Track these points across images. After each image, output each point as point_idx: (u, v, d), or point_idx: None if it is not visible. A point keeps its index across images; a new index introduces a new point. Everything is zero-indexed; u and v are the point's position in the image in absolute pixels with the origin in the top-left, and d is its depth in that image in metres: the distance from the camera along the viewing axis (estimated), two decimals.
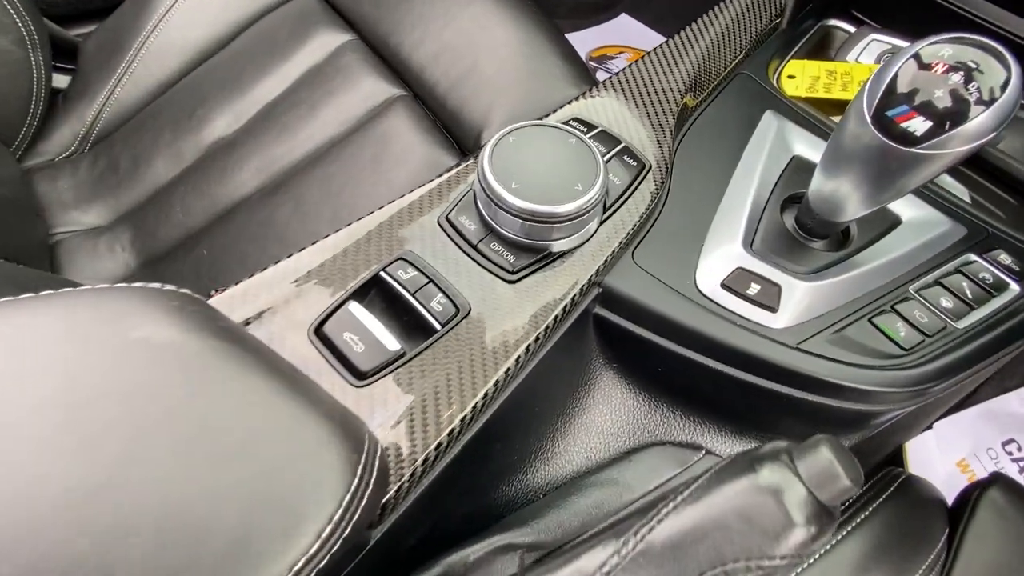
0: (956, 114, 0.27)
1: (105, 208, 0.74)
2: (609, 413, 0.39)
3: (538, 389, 0.34)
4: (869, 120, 0.29)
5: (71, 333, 0.19)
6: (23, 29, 0.63)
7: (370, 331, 0.28)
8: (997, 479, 0.47)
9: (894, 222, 0.40)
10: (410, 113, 0.69)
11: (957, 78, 0.27)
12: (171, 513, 0.17)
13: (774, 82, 0.48)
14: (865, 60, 0.50)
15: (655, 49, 0.45)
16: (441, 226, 0.33)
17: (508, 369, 0.29)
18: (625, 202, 0.36)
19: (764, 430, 0.39)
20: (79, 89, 0.78)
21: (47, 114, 0.75)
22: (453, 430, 0.27)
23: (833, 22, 0.53)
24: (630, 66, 0.45)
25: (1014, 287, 0.37)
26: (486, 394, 0.28)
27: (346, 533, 0.18)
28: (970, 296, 0.36)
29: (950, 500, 0.50)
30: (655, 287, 0.35)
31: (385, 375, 0.28)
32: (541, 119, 0.40)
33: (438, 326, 0.29)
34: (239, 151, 0.72)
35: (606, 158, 0.37)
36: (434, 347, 0.29)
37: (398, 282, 0.30)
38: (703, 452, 0.39)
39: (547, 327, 0.31)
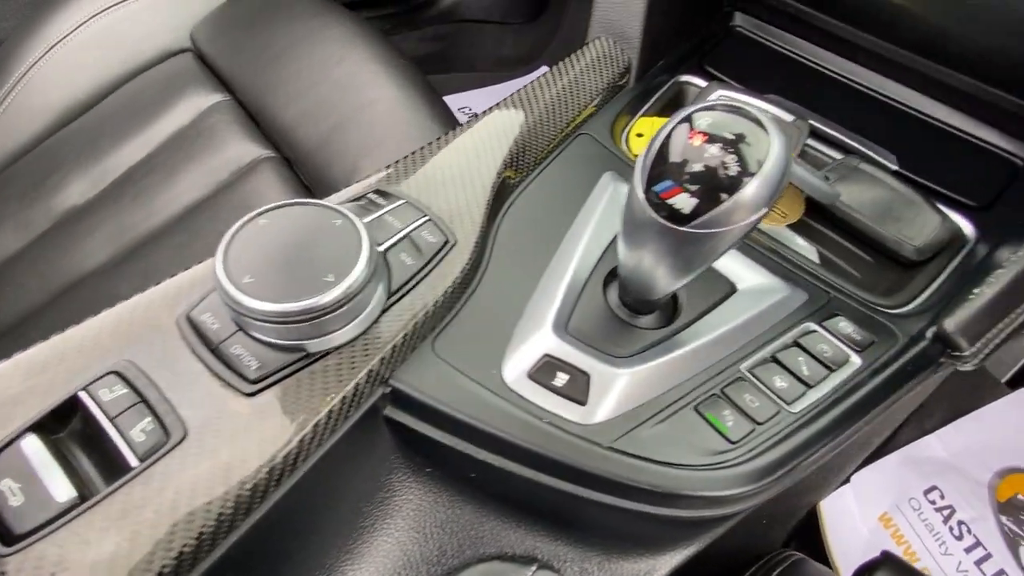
0: (721, 189, 0.24)
1: None
2: (421, 532, 0.33)
3: (306, 522, 0.29)
4: (641, 195, 0.25)
5: None
6: None
7: (37, 477, 0.23)
8: (884, 561, 0.43)
9: (729, 291, 0.36)
10: (276, 176, 0.64)
11: (716, 150, 0.24)
12: None
13: (621, 142, 0.46)
14: None
15: (484, 113, 0.42)
16: (179, 326, 0.28)
17: (220, 515, 0.23)
18: (417, 285, 0.31)
19: (605, 536, 0.34)
20: None
21: None
22: None
23: (686, 78, 0.52)
24: (460, 128, 0.42)
25: (855, 360, 0.34)
26: (181, 553, 0.22)
27: None
28: (807, 373, 0.33)
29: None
30: (456, 382, 0.31)
31: (44, 536, 0.22)
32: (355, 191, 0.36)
33: (134, 461, 0.24)
34: (90, 219, 0.66)
35: (400, 235, 0.33)
36: (127, 489, 0.23)
37: (98, 404, 0.25)
38: (535, 566, 0.33)
39: (288, 454, 0.25)
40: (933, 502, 0.77)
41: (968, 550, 0.74)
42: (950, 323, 0.34)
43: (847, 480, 0.74)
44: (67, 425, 0.25)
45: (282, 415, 0.26)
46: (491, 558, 0.34)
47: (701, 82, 0.52)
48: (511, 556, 0.34)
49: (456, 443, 0.31)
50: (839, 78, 0.52)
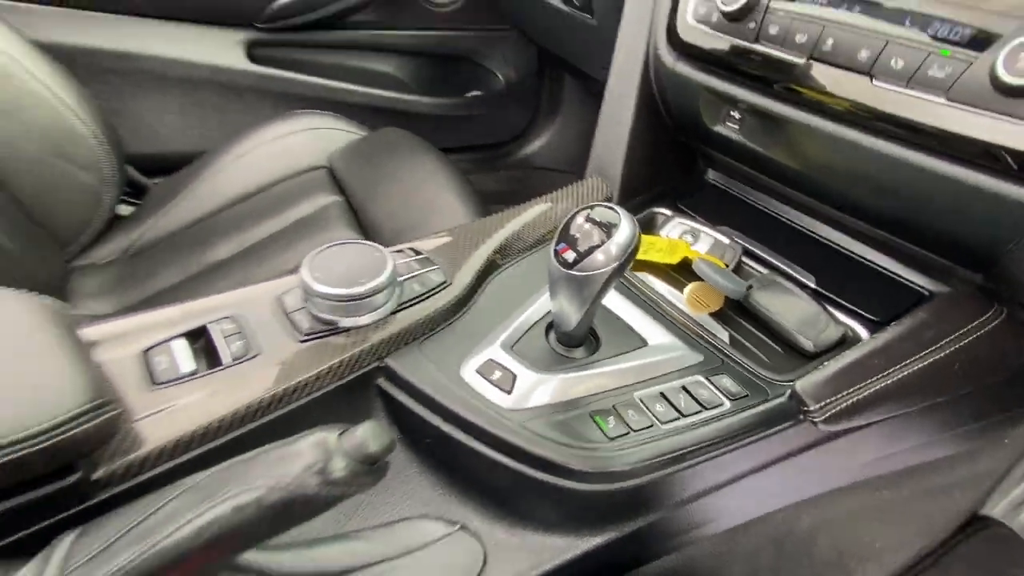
0: (590, 250, 0.39)
1: (114, 301, 0.93)
2: (383, 484, 0.45)
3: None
4: (552, 254, 0.41)
5: None
6: (104, 171, 0.90)
7: (175, 358, 0.40)
8: None
9: (641, 344, 0.49)
10: None
11: (588, 227, 0.39)
12: None
13: None
14: (673, 235, 0.65)
15: (483, 219, 0.61)
16: (273, 301, 0.46)
17: (249, 405, 0.38)
18: (418, 303, 0.48)
19: (521, 515, 0.44)
20: (135, 218, 1.03)
21: (106, 231, 1.00)
22: (192, 436, 0.36)
23: (658, 209, 0.69)
24: (471, 224, 0.61)
25: (726, 404, 0.44)
26: (223, 418, 0.37)
27: (55, 440, 0.28)
28: (683, 406, 0.43)
29: None
30: (428, 371, 0.45)
31: (169, 386, 0.38)
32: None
33: (228, 359, 0.40)
34: (227, 269, 0.92)
35: (415, 273, 0.50)
36: (221, 374, 0.40)
37: (218, 330, 0.42)
38: (458, 526, 0.44)
39: (299, 384, 0.40)
40: None
41: None
42: (800, 384, 0.43)
43: None
44: (199, 340, 0.43)
45: (309, 360, 0.42)
46: (426, 517, 0.45)
47: (668, 212, 0.69)
48: (441, 518, 0.44)
49: (421, 411, 0.44)
50: (785, 222, 0.66)
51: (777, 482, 0.50)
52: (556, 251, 0.41)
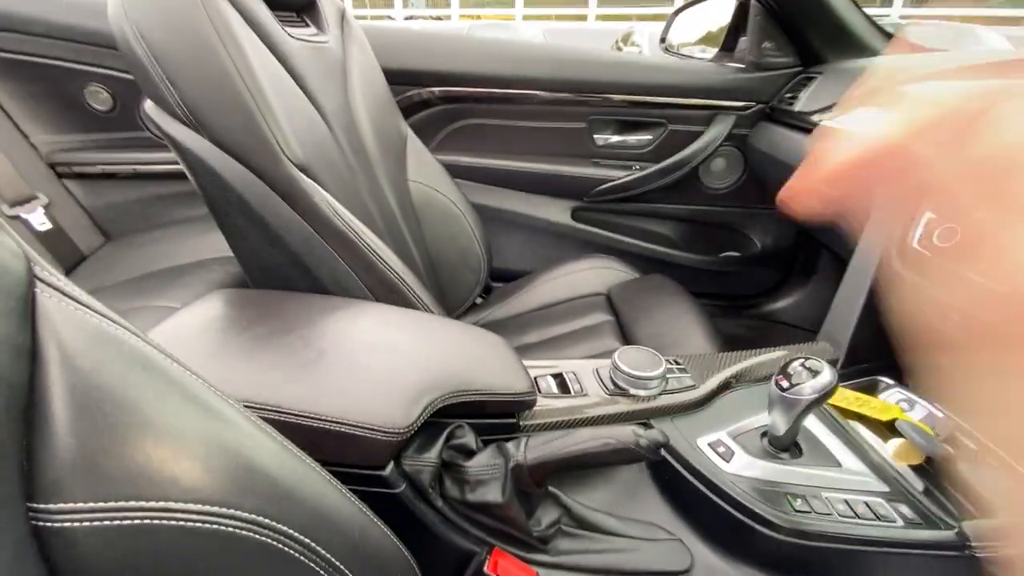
0: (797, 384, 0.63)
1: None
2: (639, 498, 0.72)
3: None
4: (773, 381, 0.67)
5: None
6: (480, 275, 1.48)
7: (549, 384, 0.78)
8: None
9: (834, 464, 0.67)
10: None
11: (801, 369, 0.64)
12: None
13: None
14: (890, 400, 0.80)
15: (731, 352, 0.88)
16: (593, 371, 0.82)
17: (589, 416, 0.72)
18: (675, 394, 0.77)
19: (721, 544, 0.65)
20: (482, 306, 1.60)
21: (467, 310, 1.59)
22: (557, 418, 0.71)
23: (883, 378, 0.85)
24: (721, 353, 0.88)
25: (899, 522, 0.58)
26: (577, 414, 0.71)
27: (508, 398, 0.66)
28: (860, 512, 0.60)
29: None
30: (675, 435, 0.73)
31: (548, 397, 0.75)
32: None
33: (572, 392, 0.76)
34: (534, 351, 1.37)
35: (675, 375, 0.80)
36: (569, 398, 0.75)
37: (569, 377, 0.79)
38: (677, 537, 0.68)
39: (608, 415, 0.73)
40: None
41: None
42: (967, 523, 0.56)
43: None
44: (557, 378, 0.81)
45: (611, 404, 0.75)
46: (657, 525, 0.70)
47: (891, 381, 0.84)
48: (665, 529, 0.70)
49: (667, 457, 0.72)
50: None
51: None
52: (776, 380, 0.66)
